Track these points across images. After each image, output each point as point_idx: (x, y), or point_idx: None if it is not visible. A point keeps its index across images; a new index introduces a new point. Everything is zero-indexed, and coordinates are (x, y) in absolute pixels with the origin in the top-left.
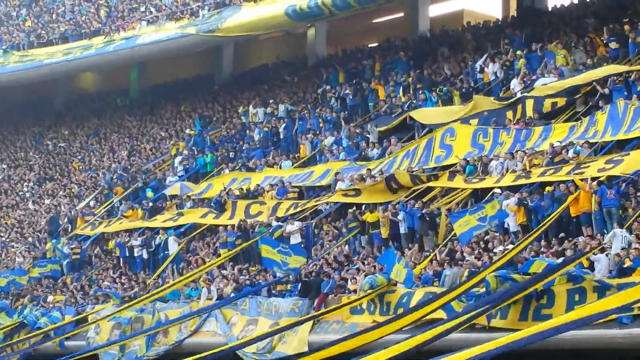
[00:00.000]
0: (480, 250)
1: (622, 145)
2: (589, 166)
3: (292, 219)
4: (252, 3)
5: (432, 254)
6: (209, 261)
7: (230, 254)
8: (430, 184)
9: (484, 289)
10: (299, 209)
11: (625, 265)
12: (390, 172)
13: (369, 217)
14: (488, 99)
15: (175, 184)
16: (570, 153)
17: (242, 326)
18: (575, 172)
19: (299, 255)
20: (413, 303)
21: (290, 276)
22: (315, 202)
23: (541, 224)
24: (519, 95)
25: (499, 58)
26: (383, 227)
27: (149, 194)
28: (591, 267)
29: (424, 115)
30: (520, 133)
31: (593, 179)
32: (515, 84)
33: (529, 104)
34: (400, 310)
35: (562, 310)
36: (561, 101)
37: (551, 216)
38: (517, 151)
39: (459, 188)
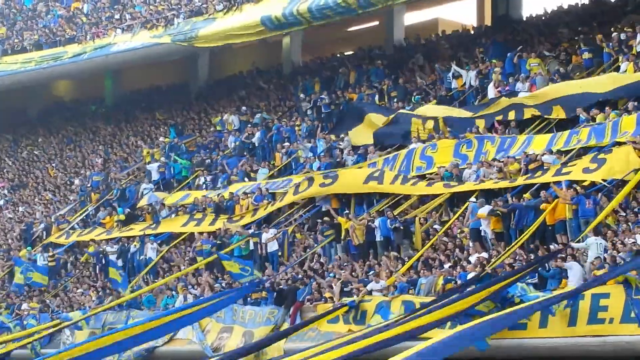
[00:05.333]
0: (456, 258)
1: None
2: (575, 164)
3: (267, 226)
4: (225, 12)
5: (409, 262)
6: (184, 269)
7: (205, 261)
8: (410, 192)
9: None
10: (275, 207)
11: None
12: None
13: (343, 223)
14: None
15: (149, 195)
16: (545, 158)
17: (216, 334)
18: (562, 173)
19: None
20: (391, 313)
21: (260, 285)
22: (293, 196)
23: (519, 238)
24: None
25: (474, 66)
26: (359, 235)
27: (120, 216)
28: (565, 275)
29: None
30: (504, 141)
31: (568, 186)
32: (490, 92)
33: (511, 114)
34: (378, 317)
35: None
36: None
37: (530, 229)
38: (493, 159)
39: (437, 194)
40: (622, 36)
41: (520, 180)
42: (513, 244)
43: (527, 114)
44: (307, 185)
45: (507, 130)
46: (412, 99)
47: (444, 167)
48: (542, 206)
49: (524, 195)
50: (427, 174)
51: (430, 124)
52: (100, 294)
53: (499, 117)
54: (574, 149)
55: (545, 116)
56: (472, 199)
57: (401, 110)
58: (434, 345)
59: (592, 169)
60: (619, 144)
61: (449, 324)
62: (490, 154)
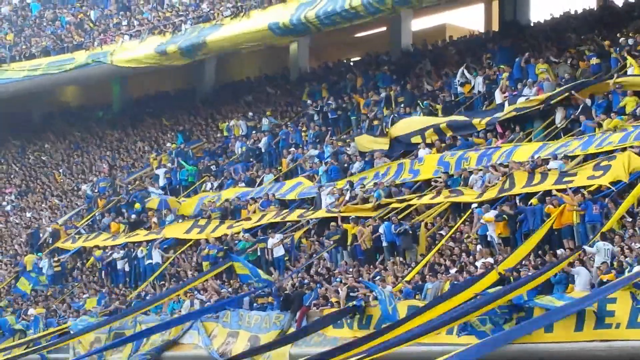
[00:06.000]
0: (462, 264)
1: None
2: (576, 174)
3: (273, 232)
4: (232, 18)
5: (416, 267)
6: (192, 274)
7: (217, 271)
8: (414, 201)
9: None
10: (279, 218)
11: (605, 280)
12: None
13: (350, 229)
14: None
15: (155, 197)
16: (551, 164)
17: (223, 339)
18: (563, 180)
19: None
20: (398, 317)
21: (268, 288)
22: (298, 217)
23: (526, 242)
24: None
25: (481, 72)
26: (366, 240)
27: (137, 205)
28: (572, 280)
29: (399, 128)
30: (486, 151)
31: (575, 192)
32: (498, 97)
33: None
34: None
35: None
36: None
37: (537, 233)
38: (500, 164)
39: (441, 203)
40: (630, 41)
41: (519, 187)
42: (520, 248)
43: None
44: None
45: (511, 134)
46: (421, 104)
47: (446, 172)
48: (548, 209)
49: (531, 201)
50: (433, 179)
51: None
52: (106, 299)
53: (499, 115)
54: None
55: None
56: (475, 204)
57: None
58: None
59: (597, 176)
60: (615, 150)
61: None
62: (471, 161)
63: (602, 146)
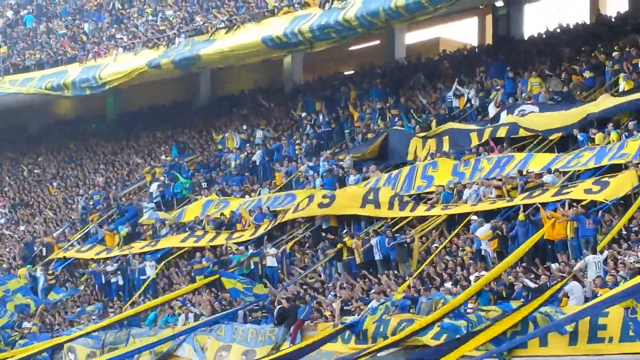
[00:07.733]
0: (457, 277)
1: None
2: (576, 185)
3: (269, 242)
4: (226, 32)
5: (408, 281)
6: (184, 287)
7: (206, 280)
8: (407, 213)
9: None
10: (277, 223)
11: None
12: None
13: (348, 242)
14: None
15: (150, 213)
16: (546, 178)
17: (215, 352)
18: (563, 192)
19: (260, 284)
20: (389, 331)
21: (261, 301)
22: (292, 214)
23: (514, 252)
24: (502, 119)
25: (475, 85)
26: (361, 253)
27: (123, 232)
28: (566, 296)
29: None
30: (501, 159)
31: (570, 206)
32: (491, 111)
33: (503, 130)
34: (380, 340)
35: None
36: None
37: (525, 244)
38: (492, 178)
39: (434, 216)
40: (624, 55)
41: (518, 200)
42: (508, 258)
43: (521, 132)
44: (307, 203)
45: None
46: (419, 118)
47: (442, 186)
48: (543, 217)
49: (518, 218)
50: (426, 193)
51: (432, 142)
52: (101, 312)
53: (489, 130)
54: (572, 170)
55: (545, 136)
56: (474, 217)
57: (397, 127)
58: None
59: (594, 191)
60: (619, 165)
61: None
62: (484, 171)
63: (615, 158)
